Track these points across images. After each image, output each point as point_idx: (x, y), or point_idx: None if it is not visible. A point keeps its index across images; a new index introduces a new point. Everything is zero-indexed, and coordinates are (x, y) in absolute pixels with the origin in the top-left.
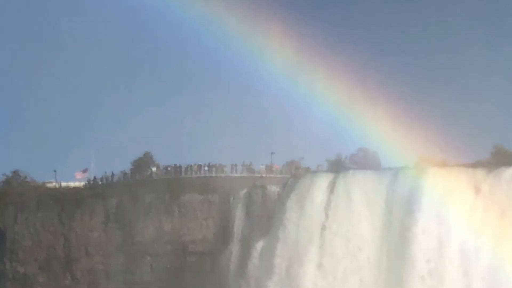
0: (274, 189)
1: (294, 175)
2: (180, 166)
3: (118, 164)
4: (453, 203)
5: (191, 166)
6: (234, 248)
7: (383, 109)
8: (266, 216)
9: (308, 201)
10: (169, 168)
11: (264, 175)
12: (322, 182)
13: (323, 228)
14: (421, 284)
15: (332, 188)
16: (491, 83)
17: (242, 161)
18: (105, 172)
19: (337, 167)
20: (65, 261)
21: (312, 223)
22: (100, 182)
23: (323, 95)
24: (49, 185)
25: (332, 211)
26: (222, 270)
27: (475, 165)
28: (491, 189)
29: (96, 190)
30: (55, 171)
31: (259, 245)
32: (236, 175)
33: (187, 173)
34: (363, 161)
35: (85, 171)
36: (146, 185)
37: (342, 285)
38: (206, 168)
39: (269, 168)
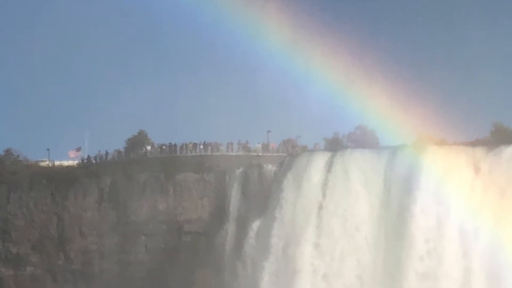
0: (270, 168)
1: (291, 153)
2: (175, 145)
3: (112, 142)
4: (452, 182)
5: (186, 144)
6: (230, 228)
7: (381, 86)
8: (263, 195)
9: (305, 180)
10: (164, 147)
11: (260, 154)
12: (319, 161)
13: (320, 207)
14: (420, 264)
15: (329, 167)
16: (490, 61)
17: (238, 140)
18: (99, 150)
19: (335, 145)
20: (58, 241)
21: (309, 203)
22: (94, 161)
23: (320, 72)
24: (42, 163)
25: (329, 190)
26: (218, 250)
27: (474, 143)
28: (491, 168)
29: (90, 169)
30: (48, 149)
31: (256, 224)
32: (232, 153)
33: (182, 151)
34: (361, 139)
35: (78, 149)
36: (141, 164)
37: (340, 265)
38: (202, 146)
39: (265, 147)
